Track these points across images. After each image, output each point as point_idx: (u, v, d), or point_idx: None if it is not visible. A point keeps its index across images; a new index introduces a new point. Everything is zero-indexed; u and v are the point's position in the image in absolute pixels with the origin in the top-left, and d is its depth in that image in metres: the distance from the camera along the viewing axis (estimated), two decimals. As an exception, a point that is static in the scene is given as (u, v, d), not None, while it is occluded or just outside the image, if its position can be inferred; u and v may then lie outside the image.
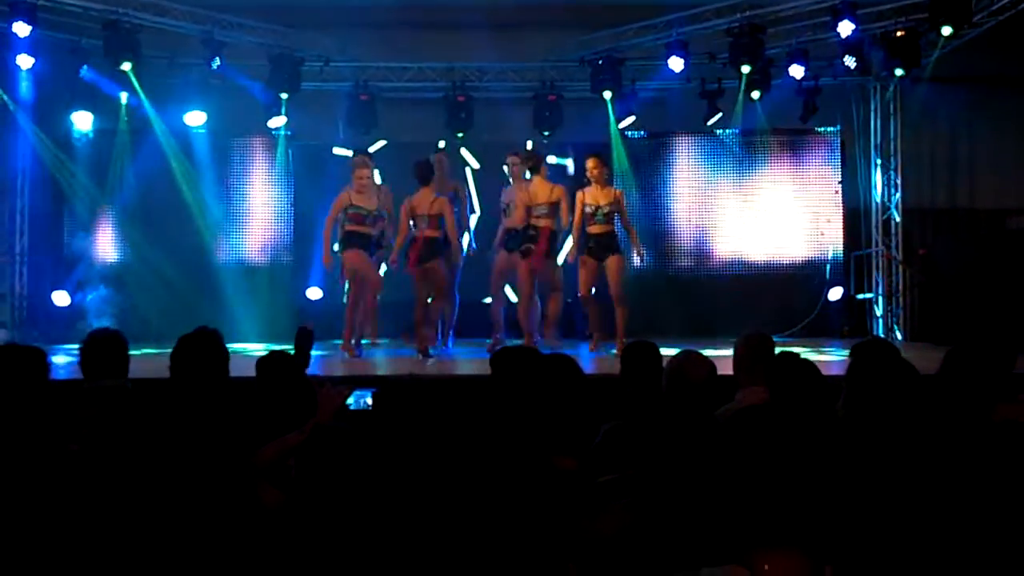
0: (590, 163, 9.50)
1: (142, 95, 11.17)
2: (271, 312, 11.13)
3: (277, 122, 11.82)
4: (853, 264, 12.59)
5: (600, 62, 11.70)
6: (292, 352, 4.77)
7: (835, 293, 12.25)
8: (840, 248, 12.48)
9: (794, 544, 2.09)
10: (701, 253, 12.54)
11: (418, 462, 3.31)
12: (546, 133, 12.15)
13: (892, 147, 12.51)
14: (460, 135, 12.07)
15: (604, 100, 11.83)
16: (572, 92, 12.21)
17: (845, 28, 10.65)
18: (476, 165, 12.29)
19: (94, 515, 3.47)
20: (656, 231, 12.48)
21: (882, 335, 11.89)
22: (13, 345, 3.80)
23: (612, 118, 12.13)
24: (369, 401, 4.70)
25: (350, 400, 3.90)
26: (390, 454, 3.30)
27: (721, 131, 12.35)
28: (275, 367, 4.24)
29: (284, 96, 11.62)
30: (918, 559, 2.86)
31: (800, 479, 2.12)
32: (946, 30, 10.07)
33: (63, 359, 8.06)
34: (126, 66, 10.63)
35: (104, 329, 4.27)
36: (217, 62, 10.91)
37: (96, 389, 4.10)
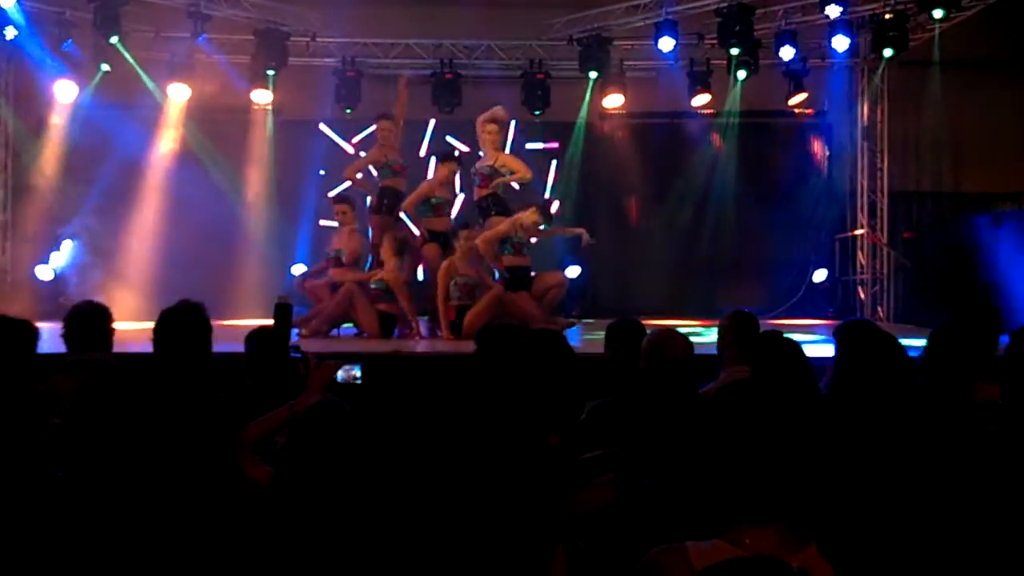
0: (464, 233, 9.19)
1: (137, 66, 11.06)
2: (259, 287, 11.08)
3: (261, 96, 11.72)
4: (839, 246, 12.63)
5: (588, 41, 11.66)
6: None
7: (819, 275, 12.29)
8: (825, 230, 12.53)
9: (777, 519, 2.09)
10: (687, 233, 12.51)
11: (408, 437, 3.31)
12: (536, 112, 12.12)
13: (878, 130, 12.53)
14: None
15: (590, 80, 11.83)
16: (560, 71, 12.17)
17: (833, 10, 10.63)
18: (465, 149, 12.25)
19: (75, 491, 3.47)
20: (642, 212, 12.50)
21: (867, 317, 11.94)
22: (2, 317, 3.77)
23: (587, 98, 12.12)
24: (357, 374, 4.68)
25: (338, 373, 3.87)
26: (381, 429, 3.29)
27: (708, 112, 12.31)
28: (262, 342, 4.22)
29: (271, 72, 11.54)
30: (901, 535, 2.88)
31: (783, 455, 2.13)
32: (937, 13, 10.08)
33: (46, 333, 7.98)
34: (114, 39, 10.52)
35: (88, 302, 4.23)
36: (202, 36, 10.81)
37: (79, 362, 4.07)
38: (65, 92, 11.27)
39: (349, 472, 3.15)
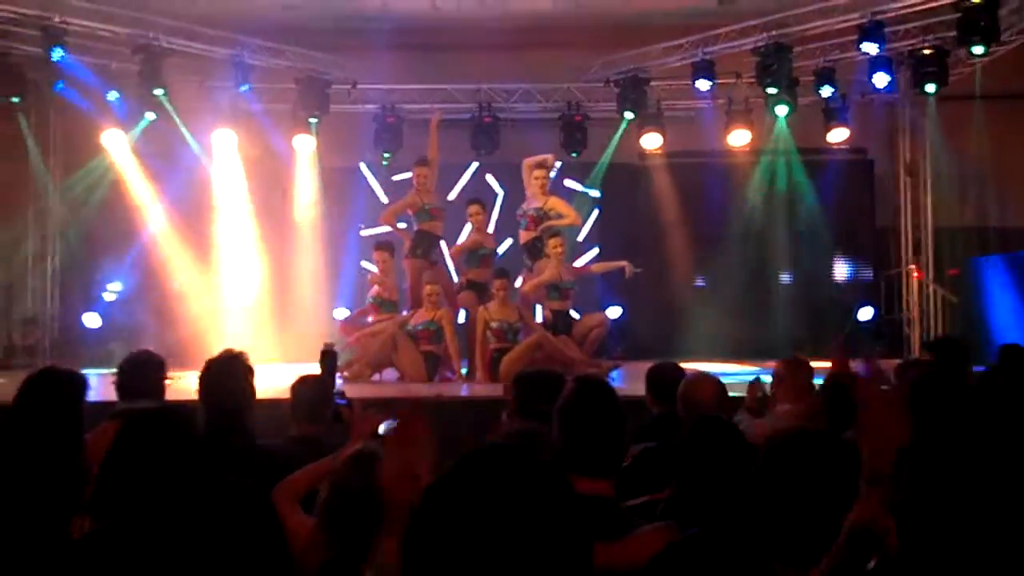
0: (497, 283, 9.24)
1: (177, 118, 11.26)
2: (303, 331, 11.16)
3: (303, 143, 11.87)
4: (884, 284, 12.51)
5: (625, 82, 11.71)
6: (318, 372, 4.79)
7: (865, 313, 12.16)
8: (870, 268, 12.43)
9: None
10: (732, 273, 12.48)
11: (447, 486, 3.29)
12: (574, 155, 12.17)
13: (921, 166, 12.44)
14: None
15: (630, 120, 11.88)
16: (598, 113, 12.23)
17: (870, 48, 10.60)
18: (499, 192, 12.33)
19: (110, 542, 3.50)
20: (683, 252, 12.48)
21: (915, 355, 11.77)
22: (52, 368, 3.83)
23: (615, 141, 12.19)
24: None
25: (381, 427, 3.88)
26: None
27: (747, 150, 12.28)
28: (308, 388, 4.25)
29: (312, 119, 11.70)
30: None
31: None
32: (977, 49, 9.99)
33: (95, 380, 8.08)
34: (158, 91, 10.72)
35: (143, 351, 4.30)
36: (246, 86, 10.99)
37: (127, 410, 4.12)
38: (113, 141, 11.46)
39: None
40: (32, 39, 10.21)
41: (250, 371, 3.88)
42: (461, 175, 12.49)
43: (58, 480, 3.66)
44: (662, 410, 4.50)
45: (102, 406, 4.40)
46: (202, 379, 3.84)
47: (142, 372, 4.12)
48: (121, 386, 4.12)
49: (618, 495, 3.65)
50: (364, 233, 12.03)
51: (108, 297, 11.68)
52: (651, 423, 4.55)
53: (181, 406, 4.15)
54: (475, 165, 12.52)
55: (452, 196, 11.68)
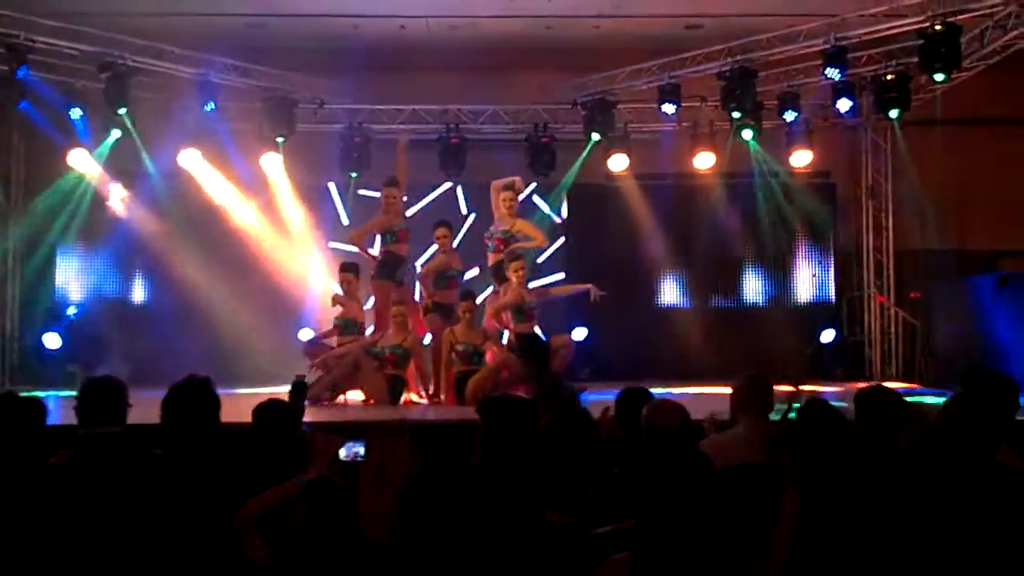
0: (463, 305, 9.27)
1: (137, 139, 11.19)
2: (269, 353, 11.09)
3: (271, 162, 11.82)
4: (846, 307, 12.64)
5: (592, 104, 11.77)
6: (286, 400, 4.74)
7: (827, 335, 12.27)
8: (832, 291, 12.55)
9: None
10: (693, 296, 12.63)
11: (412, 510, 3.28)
12: (543, 175, 12.21)
13: (883, 189, 12.60)
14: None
15: (597, 143, 11.93)
16: (565, 135, 12.27)
17: (833, 73, 10.71)
18: (466, 212, 12.35)
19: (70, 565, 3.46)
20: (649, 273, 12.57)
21: (875, 378, 11.88)
22: (11, 394, 3.78)
23: (579, 162, 12.26)
24: (360, 451, 4.67)
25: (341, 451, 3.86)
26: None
27: (712, 173, 12.36)
28: (271, 416, 4.21)
29: (280, 139, 11.66)
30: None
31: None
32: (938, 76, 10.13)
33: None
34: (122, 110, 10.64)
35: (104, 376, 4.23)
36: (211, 106, 10.93)
37: (88, 436, 4.06)
38: (78, 161, 11.36)
39: (340, 550, 3.12)
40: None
41: (214, 397, 3.85)
42: (426, 194, 12.49)
43: (19, 506, 3.61)
44: (630, 436, 4.52)
45: (64, 430, 4.33)
46: (164, 405, 3.79)
47: (103, 398, 4.06)
48: (81, 412, 4.05)
49: (584, 522, 3.66)
50: (332, 246, 11.99)
51: (69, 314, 11.58)
52: (617, 447, 4.57)
53: (142, 432, 4.11)
54: (447, 185, 12.51)
55: (410, 212, 11.56)
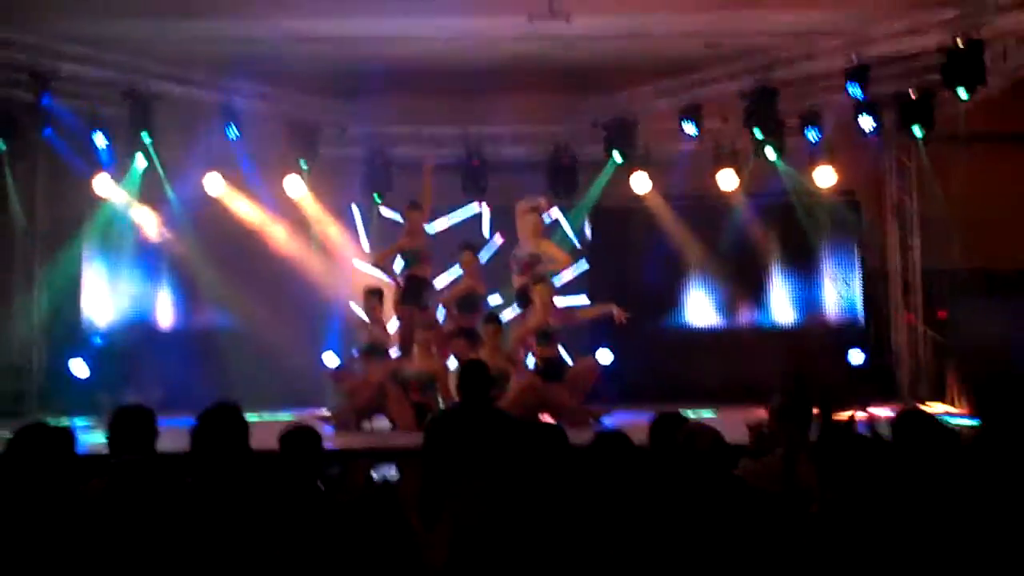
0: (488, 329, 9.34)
1: (158, 164, 11.24)
2: (297, 377, 11.10)
3: (294, 186, 11.83)
4: (874, 327, 12.53)
5: (613, 125, 11.74)
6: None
7: (856, 357, 12.14)
8: (860, 311, 12.43)
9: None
10: (719, 317, 12.59)
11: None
12: (564, 197, 12.18)
13: (908, 207, 12.50)
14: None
15: (618, 164, 11.89)
16: (586, 156, 12.24)
17: (855, 91, 10.65)
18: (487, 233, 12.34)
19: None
20: (673, 294, 12.51)
21: (904, 399, 11.74)
22: (39, 424, 3.77)
23: (600, 183, 12.22)
24: (393, 473, 4.64)
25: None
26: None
27: (735, 192, 12.30)
28: (297, 442, 4.18)
29: (302, 163, 11.67)
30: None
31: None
32: (962, 93, 10.05)
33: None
34: (145, 136, 10.69)
35: (134, 405, 4.24)
36: (235, 130, 10.96)
37: (119, 464, 4.05)
38: (102, 187, 11.40)
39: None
40: (19, 83, 10.14)
41: (243, 423, 3.82)
42: (450, 216, 12.49)
43: (51, 534, 3.58)
44: (665, 461, 4.47)
45: (95, 458, 4.32)
46: (194, 432, 3.77)
47: (131, 427, 4.05)
48: (111, 440, 4.05)
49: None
50: (356, 264, 11.95)
51: (95, 342, 11.64)
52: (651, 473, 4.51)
53: (172, 459, 4.09)
54: (474, 209, 12.47)
55: (433, 232, 11.55)
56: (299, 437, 4.16)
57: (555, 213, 12.10)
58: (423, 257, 9.77)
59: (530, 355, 9.69)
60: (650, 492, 3.72)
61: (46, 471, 3.56)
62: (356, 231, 12.69)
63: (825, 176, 11.90)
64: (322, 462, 4.14)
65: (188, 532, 3.50)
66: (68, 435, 3.72)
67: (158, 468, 3.85)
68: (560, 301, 10.63)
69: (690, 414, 5.11)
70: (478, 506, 3.49)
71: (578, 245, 12.55)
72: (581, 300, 12.10)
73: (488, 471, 3.79)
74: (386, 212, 12.23)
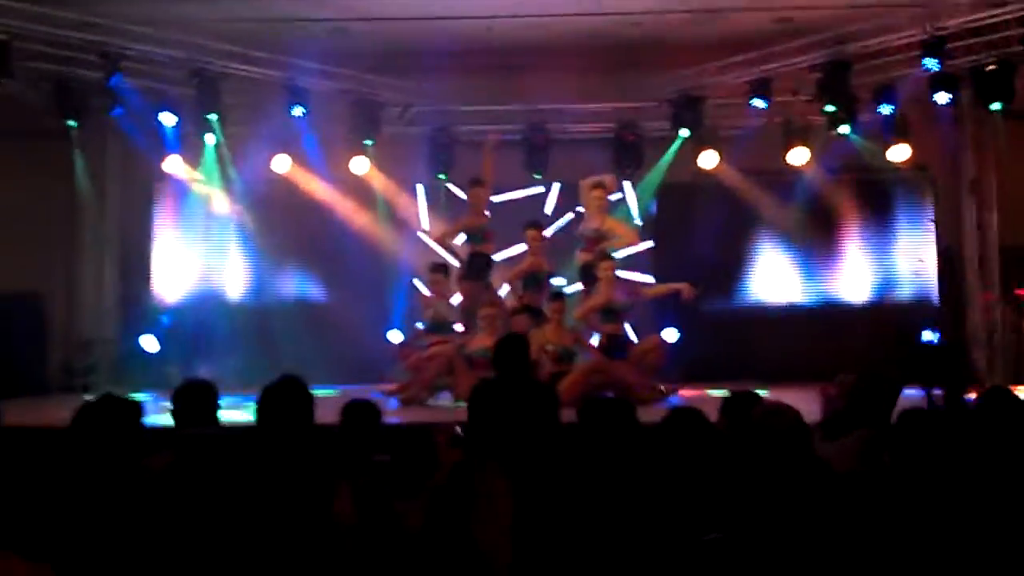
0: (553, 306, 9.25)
1: (224, 144, 11.36)
2: (352, 352, 11.18)
3: (359, 165, 11.86)
4: (949, 306, 12.24)
5: (680, 101, 11.57)
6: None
7: (928, 336, 11.87)
8: (935, 289, 12.13)
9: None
10: (787, 295, 12.40)
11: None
12: (630, 174, 12.05)
13: (985, 184, 12.15)
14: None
15: (685, 140, 11.73)
16: (652, 132, 12.08)
17: (932, 64, 10.36)
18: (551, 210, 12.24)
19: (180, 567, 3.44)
20: (740, 272, 12.35)
21: (981, 381, 11.42)
22: (109, 395, 3.80)
23: (667, 160, 12.05)
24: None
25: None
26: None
27: (807, 168, 12.06)
28: (359, 414, 4.18)
29: (367, 141, 11.69)
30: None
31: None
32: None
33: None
34: (213, 116, 10.79)
35: (195, 379, 4.28)
36: (300, 110, 11.01)
37: (183, 437, 4.08)
38: (171, 166, 11.54)
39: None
40: (89, 64, 10.29)
41: (308, 396, 3.81)
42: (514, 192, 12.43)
43: (118, 507, 3.60)
44: (739, 441, 4.37)
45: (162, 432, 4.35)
46: (259, 405, 3.78)
47: (194, 400, 4.08)
48: (176, 414, 4.08)
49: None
50: (421, 235, 12.00)
51: (164, 320, 11.83)
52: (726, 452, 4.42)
53: (235, 433, 4.11)
54: (539, 188, 12.37)
55: (497, 204, 11.49)
56: (360, 411, 4.16)
57: (620, 190, 11.94)
58: (486, 234, 9.74)
59: (595, 333, 9.61)
60: (727, 472, 3.64)
61: (113, 444, 3.58)
62: (419, 208, 12.67)
63: (899, 151, 11.59)
64: (380, 437, 4.13)
65: (250, 506, 3.49)
66: (136, 408, 3.75)
67: (222, 441, 3.87)
68: (625, 278, 10.52)
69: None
70: (541, 492, 3.44)
71: (643, 222, 12.38)
72: (646, 278, 11.94)
73: (546, 451, 3.75)
74: (452, 189, 12.18)
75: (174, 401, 4.13)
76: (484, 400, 4.67)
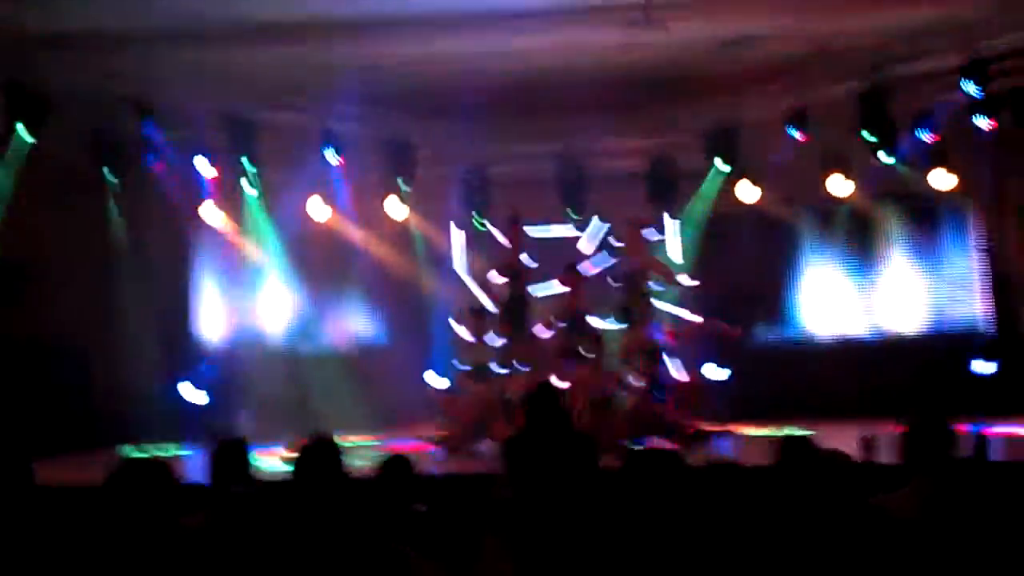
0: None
1: (258, 189, 11.36)
2: (390, 398, 11.10)
3: (394, 207, 11.82)
4: (1005, 337, 11.94)
5: (715, 132, 11.45)
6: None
7: (982, 367, 11.51)
8: (988, 320, 11.97)
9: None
10: (834, 328, 12.21)
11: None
12: (668, 209, 11.93)
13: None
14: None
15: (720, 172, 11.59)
16: (689, 166, 11.95)
17: (970, 88, 10.18)
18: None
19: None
20: (784, 305, 12.16)
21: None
22: (135, 460, 3.71)
23: (705, 192, 11.94)
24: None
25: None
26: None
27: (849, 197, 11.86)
28: (393, 470, 4.10)
29: (401, 183, 11.66)
30: None
31: None
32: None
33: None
34: (247, 163, 10.83)
35: (230, 437, 4.21)
36: (334, 154, 11.00)
37: (218, 495, 3.99)
38: (209, 215, 11.56)
39: None
40: (124, 114, 10.33)
41: (339, 455, 3.73)
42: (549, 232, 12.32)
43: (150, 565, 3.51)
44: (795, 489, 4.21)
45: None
46: (296, 466, 3.69)
47: (229, 459, 4.00)
48: (212, 472, 4.00)
49: None
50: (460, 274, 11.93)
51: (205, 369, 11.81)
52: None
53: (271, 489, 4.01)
54: (572, 230, 12.21)
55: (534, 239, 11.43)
56: (394, 466, 4.07)
57: (660, 226, 11.80)
58: (522, 274, 9.64)
59: (635, 374, 9.45)
60: (779, 522, 3.48)
61: (146, 504, 3.50)
62: (454, 250, 12.62)
63: (941, 178, 11.38)
64: (416, 489, 4.04)
65: (286, 564, 3.39)
66: (165, 469, 3.66)
67: (258, 500, 3.78)
68: (665, 316, 10.39)
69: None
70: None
71: (684, 258, 12.22)
72: (688, 314, 11.74)
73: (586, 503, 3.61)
74: (488, 227, 12.11)
75: (211, 460, 4.05)
76: (516, 454, 4.53)
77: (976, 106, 10.56)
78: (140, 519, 3.60)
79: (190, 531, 3.73)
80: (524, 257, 9.96)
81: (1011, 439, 8.75)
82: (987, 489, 3.51)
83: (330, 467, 3.66)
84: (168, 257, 12.22)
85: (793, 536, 3.36)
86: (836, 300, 12.35)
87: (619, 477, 3.73)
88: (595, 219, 11.65)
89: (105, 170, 10.77)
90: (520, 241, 9.91)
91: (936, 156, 11.33)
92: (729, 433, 9.02)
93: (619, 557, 3.37)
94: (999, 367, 11.55)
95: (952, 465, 4.05)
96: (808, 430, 9.07)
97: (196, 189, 11.33)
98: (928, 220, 12.20)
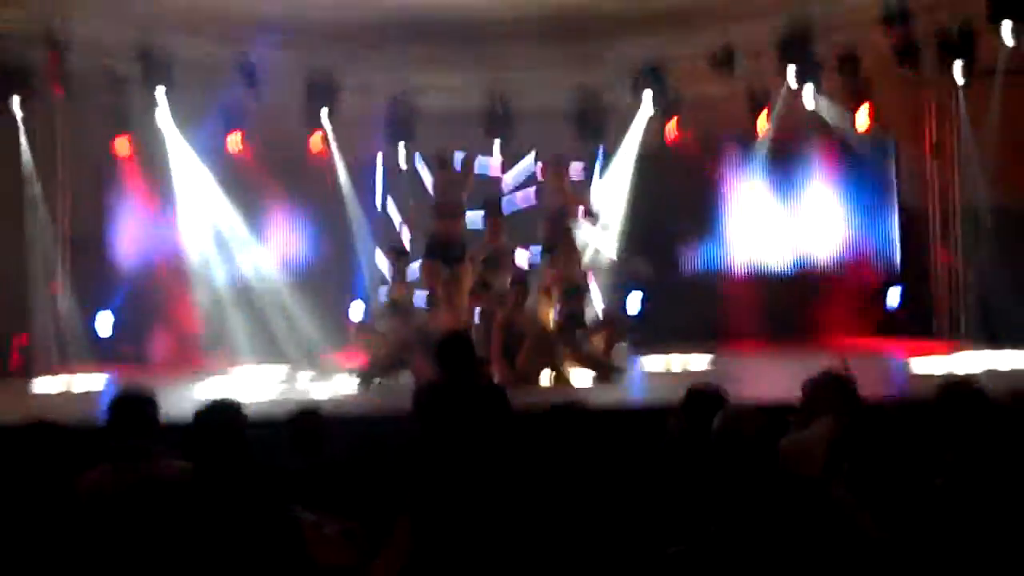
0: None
1: (171, 122, 11.11)
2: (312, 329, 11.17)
3: (318, 138, 11.65)
4: (912, 266, 12.30)
5: (643, 70, 11.41)
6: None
7: (893, 295, 12.01)
8: (898, 249, 12.34)
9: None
10: (751, 260, 12.42)
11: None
12: (594, 146, 11.88)
13: (947, 147, 12.10)
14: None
15: (647, 109, 11.58)
16: (616, 103, 11.91)
17: (895, 30, 10.29)
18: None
19: None
20: (705, 239, 12.43)
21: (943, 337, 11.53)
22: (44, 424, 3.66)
23: (631, 129, 11.99)
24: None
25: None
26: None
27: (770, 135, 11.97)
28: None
29: (324, 113, 11.45)
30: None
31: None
32: (1007, 28, 9.61)
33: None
34: (162, 93, 10.57)
35: (131, 387, 4.14)
36: (254, 86, 10.79)
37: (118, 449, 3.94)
38: (122, 147, 11.28)
39: None
40: (36, 43, 9.99)
41: (242, 421, 3.70)
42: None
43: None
44: (685, 429, 4.30)
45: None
46: (192, 433, 3.64)
47: (131, 411, 3.93)
48: (112, 426, 3.93)
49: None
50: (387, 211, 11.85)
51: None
52: (671, 442, 4.34)
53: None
54: (498, 159, 12.08)
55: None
56: (304, 419, 4.06)
57: (585, 163, 11.77)
58: (448, 212, 9.58)
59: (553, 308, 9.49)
60: (687, 479, 3.57)
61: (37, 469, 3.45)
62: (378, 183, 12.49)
63: (863, 116, 11.53)
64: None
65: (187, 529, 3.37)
66: (57, 430, 3.61)
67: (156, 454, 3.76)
68: (588, 252, 10.48)
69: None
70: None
71: (607, 194, 12.23)
72: (610, 247, 11.77)
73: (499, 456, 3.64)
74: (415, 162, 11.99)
75: (109, 413, 3.96)
76: (428, 407, 4.51)
77: (899, 46, 10.67)
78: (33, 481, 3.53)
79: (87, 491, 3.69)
80: (451, 197, 9.81)
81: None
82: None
83: (229, 430, 3.61)
84: (81, 187, 11.91)
85: (702, 492, 3.44)
86: (759, 233, 12.55)
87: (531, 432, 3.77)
88: (531, 155, 11.56)
89: (14, 100, 10.39)
90: (446, 181, 9.84)
91: (857, 95, 11.45)
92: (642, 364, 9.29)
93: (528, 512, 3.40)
94: (902, 294, 11.97)
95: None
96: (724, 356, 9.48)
97: (110, 121, 10.99)
98: (850, 156, 12.36)
